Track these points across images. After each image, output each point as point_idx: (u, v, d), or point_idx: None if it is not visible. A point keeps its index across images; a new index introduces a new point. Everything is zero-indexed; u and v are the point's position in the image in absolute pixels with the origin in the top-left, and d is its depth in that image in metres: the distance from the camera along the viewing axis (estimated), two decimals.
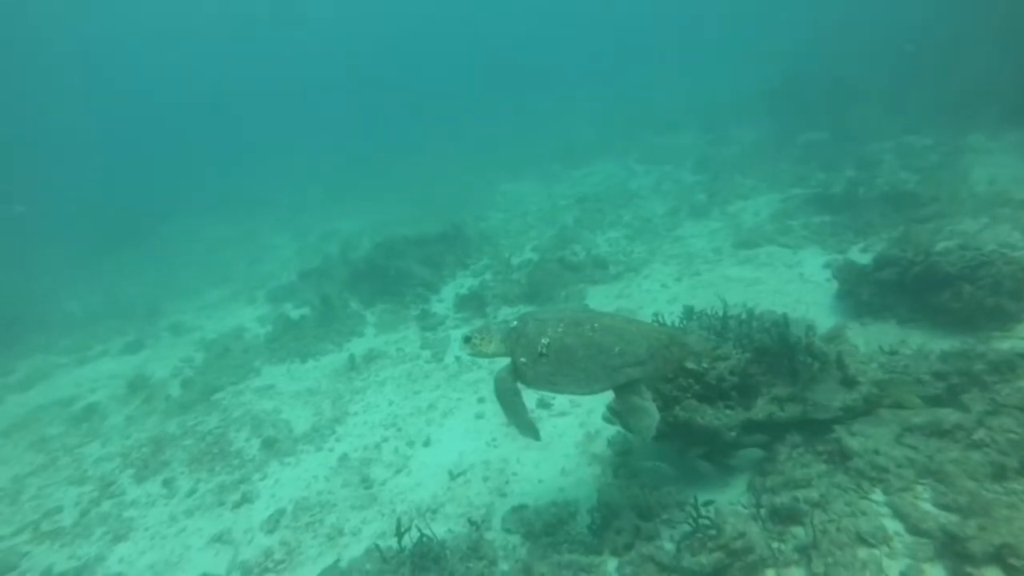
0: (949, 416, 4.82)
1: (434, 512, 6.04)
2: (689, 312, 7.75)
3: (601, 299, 9.76)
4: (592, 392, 4.07)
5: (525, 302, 10.06)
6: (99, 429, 8.86)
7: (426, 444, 7.14)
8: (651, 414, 4.01)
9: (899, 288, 7.26)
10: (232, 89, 55.57)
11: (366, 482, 6.64)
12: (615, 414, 5.87)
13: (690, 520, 4.55)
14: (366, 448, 7.26)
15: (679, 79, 28.97)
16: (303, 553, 5.87)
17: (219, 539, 6.25)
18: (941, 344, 6.40)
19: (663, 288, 9.71)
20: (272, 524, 6.28)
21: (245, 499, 6.75)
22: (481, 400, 7.72)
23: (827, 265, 9.09)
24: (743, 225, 11.53)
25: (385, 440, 7.35)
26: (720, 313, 7.02)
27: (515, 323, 4.31)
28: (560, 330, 4.04)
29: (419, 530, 5.31)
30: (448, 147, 27.07)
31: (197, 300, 14.34)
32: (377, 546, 5.37)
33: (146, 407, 9.15)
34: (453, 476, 6.47)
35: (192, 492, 7.06)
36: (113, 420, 9.04)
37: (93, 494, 7.41)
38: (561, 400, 7.31)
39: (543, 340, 4.02)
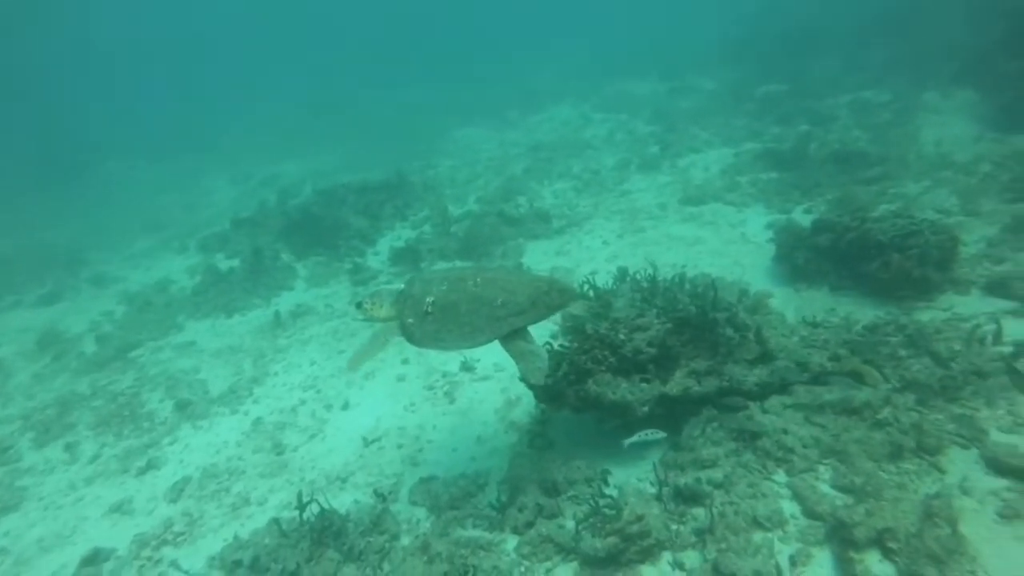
0: (860, 394, 4.72)
1: (344, 481, 5.85)
2: (623, 274, 7.55)
3: (539, 256, 9.46)
4: (477, 344, 4.12)
5: (461, 257, 9.70)
6: (1, 388, 8.37)
7: (344, 408, 6.90)
8: (539, 356, 4.09)
9: (834, 254, 7.11)
10: (183, 27, 52.19)
11: (278, 448, 6.39)
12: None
13: (591, 500, 4.42)
14: (282, 412, 6.97)
15: (645, 24, 28.02)
16: (205, 524, 5.64)
17: (118, 509, 5.96)
18: (869, 314, 6.32)
19: (604, 245, 9.43)
20: (176, 493, 6.02)
21: (151, 465, 6.45)
22: (405, 361, 7.46)
23: (769, 225, 8.93)
24: (692, 180, 11.24)
25: (303, 403, 7.07)
26: (651, 276, 6.83)
27: (403, 286, 4.39)
28: (444, 288, 4.11)
29: (319, 504, 5.10)
30: (405, 91, 25.96)
31: (125, 249, 13.58)
32: (276, 519, 5.16)
33: (56, 364, 8.66)
34: (367, 443, 6.26)
35: (96, 458, 6.73)
36: (18, 378, 8.54)
37: None
38: (485, 364, 7.11)
39: (428, 299, 4.08)
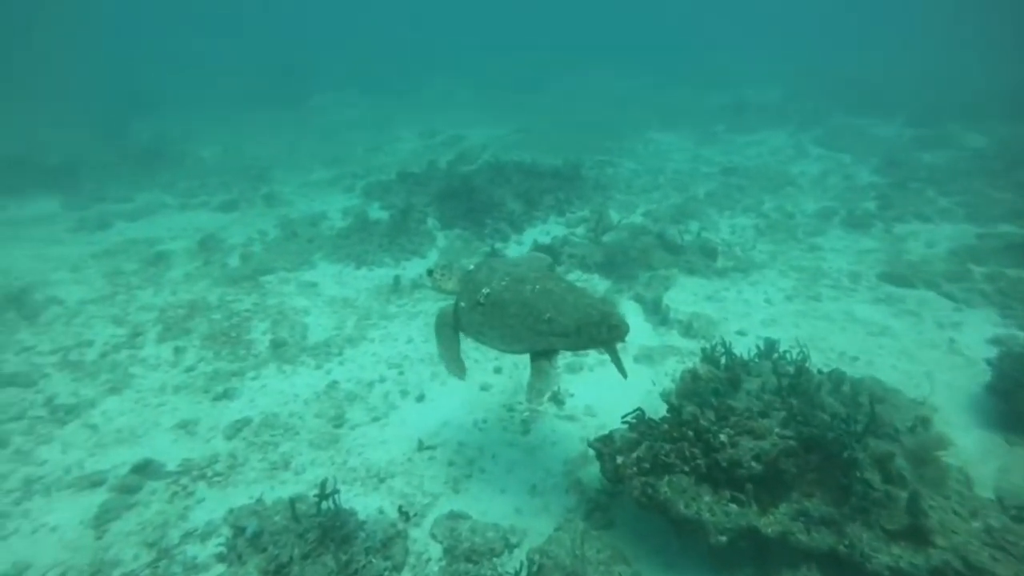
0: None
1: (381, 481, 5.39)
2: (770, 347, 6.20)
3: (687, 294, 8.23)
4: (512, 352, 4.08)
5: (601, 273, 8.77)
6: (159, 277, 9.14)
7: (419, 399, 6.46)
8: (550, 382, 3.99)
9: None
10: None
11: (338, 420, 6.12)
12: (599, 454, 4.72)
13: None
14: (359, 383, 6.71)
15: (909, 54, 23.95)
16: (242, 473, 5.51)
17: (184, 427, 6.08)
18: None
19: (765, 304, 7.95)
20: (234, 431, 5.99)
21: (227, 395, 6.53)
22: (497, 370, 6.84)
23: (996, 341, 6.85)
24: (906, 254, 9.13)
25: (382, 380, 6.75)
26: (799, 364, 5.49)
27: (471, 266, 4.45)
28: (503, 284, 4.04)
29: (335, 502, 4.68)
30: (616, 80, 24.98)
31: (304, 175, 14.47)
32: (295, 500, 4.82)
33: (204, 269, 9.30)
34: (421, 447, 5.74)
35: (191, 369, 6.99)
36: (174, 273, 9.28)
37: (120, 339, 7.61)
38: (577, 402, 6.26)
39: (484, 290, 4.04)
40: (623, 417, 4.74)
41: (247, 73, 27.59)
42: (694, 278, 8.71)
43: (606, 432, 4.92)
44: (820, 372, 5.51)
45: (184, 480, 5.43)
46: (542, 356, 4.04)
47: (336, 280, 8.97)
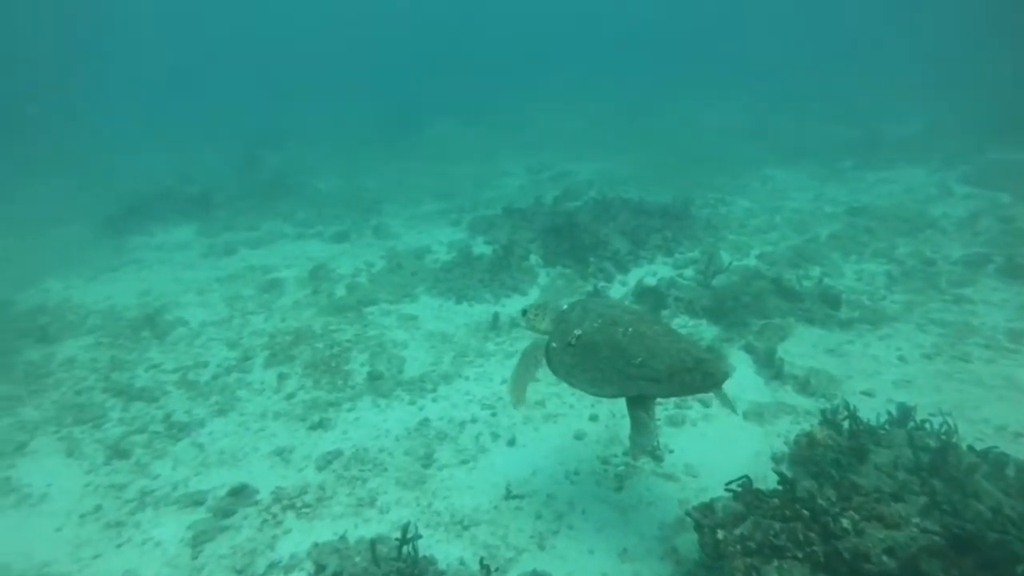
0: None
1: (465, 528, 5.17)
2: (904, 414, 5.46)
3: (806, 346, 7.48)
4: (602, 395, 3.96)
5: (709, 318, 8.19)
6: (271, 304, 9.62)
7: (510, 444, 6.21)
8: (651, 435, 3.90)
9: None
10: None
11: (427, 460, 5.99)
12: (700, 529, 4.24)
13: None
14: (451, 422, 6.58)
15: None
16: (329, 507, 5.49)
17: (280, 454, 6.21)
18: None
19: (899, 361, 7.04)
20: (325, 462, 6.03)
21: (322, 424, 6.61)
22: (593, 418, 6.48)
23: None
24: None
25: (474, 421, 6.58)
26: (943, 438, 4.77)
27: (565, 306, 4.45)
28: (595, 325, 4.00)
29: (414, 549, 4.51)
30: (728, 111, 24.23)
31: (413, 208, 14.90)
32: (375, 541, 4.71)
33: (312, 298, 9.67)
34: (508, 495, 5.48)
35: (291, 396, 7.18)
36: (284, 300, 9.73)
37: (232, 362, 8.02)
38: (676, 460, 5.76)
39: (576, 331, 4.02)
40: (727, 484, 4.28)
41: (366, 108, 29.58)
42: (813, 328, 7.92)
43: (707, 499, 4.46)
44: (972, 449, 4.72)
45: (275, 508, 5.49)
46: (639, 406, 3.86)
47: (436, 314, 9.00)
